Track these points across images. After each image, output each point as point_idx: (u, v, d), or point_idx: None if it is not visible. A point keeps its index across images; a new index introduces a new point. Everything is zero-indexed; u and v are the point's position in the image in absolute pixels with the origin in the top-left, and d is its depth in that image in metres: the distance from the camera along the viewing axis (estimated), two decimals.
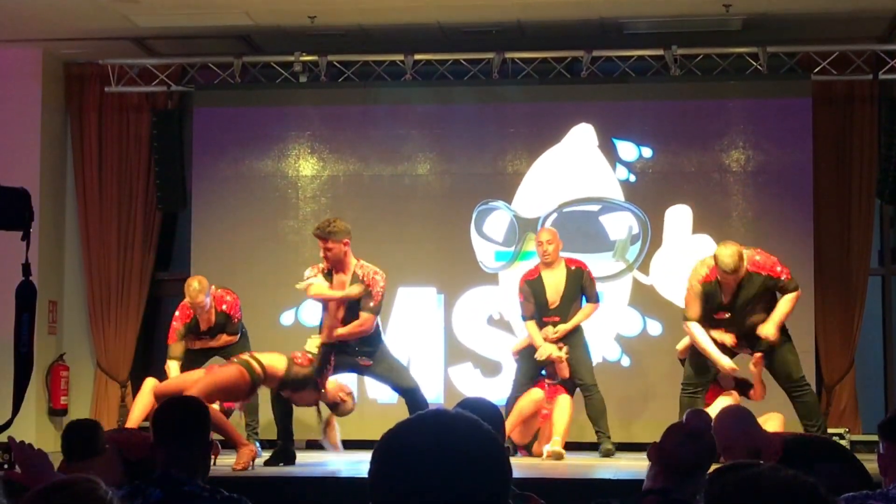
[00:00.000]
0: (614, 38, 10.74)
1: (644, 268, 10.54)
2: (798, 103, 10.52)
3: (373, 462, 1.88)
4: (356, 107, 10.95)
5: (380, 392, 9.69)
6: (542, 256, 9.29)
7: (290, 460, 8.62)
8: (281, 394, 8.56)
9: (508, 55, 10.78)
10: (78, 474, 3.14)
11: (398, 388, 8.83)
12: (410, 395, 8.76)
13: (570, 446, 9.67)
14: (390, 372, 8.76)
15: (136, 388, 9.32)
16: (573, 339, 9.22)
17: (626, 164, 10.69)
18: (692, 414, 4.05)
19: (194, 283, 9.01)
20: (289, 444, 8.69)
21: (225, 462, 8.17)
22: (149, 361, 11.23)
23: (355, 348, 8.60)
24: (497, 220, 10.67)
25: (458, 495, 1.80)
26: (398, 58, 10.84)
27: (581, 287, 9.25)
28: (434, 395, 10.45)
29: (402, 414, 8.53)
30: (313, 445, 9.67)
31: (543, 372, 9.25)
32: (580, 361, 9.27)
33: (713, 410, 6.84)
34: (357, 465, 8.23)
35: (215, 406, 8.21)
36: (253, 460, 8.15)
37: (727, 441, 4.46)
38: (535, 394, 9.13)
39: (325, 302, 8.45)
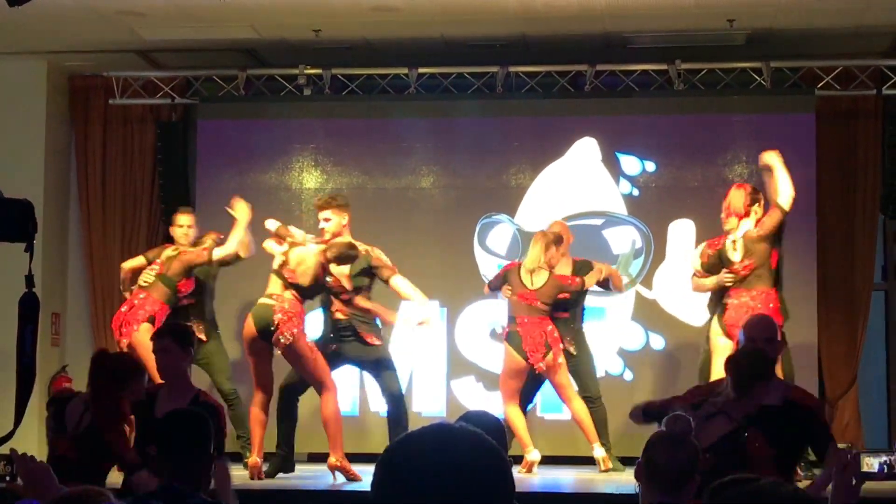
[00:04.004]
0: (618, 52, 10.76)
1: (647, 282, 10.53)
2: (802, 118, 10.52)
3: (376, 475, 1.88)
4: (360, 120, 10.96)
5: (381, 405, 9.65)
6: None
7: (290, 469, 8.62)
8: (290, 398, 8.63)
9: (512, 69, 10.79)
10: (87, 486, 3.13)
11: (387, 391, 8.78)
12: (396, 402, 8.73)
13: (571, 461, 9.67)
14: (387, 370, 8.73)
15: None
16: (580, 350, 9.23)
17: (630, 179, 10.70)
18: (671, 419, 4.03)
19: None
20: (290, 454, 8.68)
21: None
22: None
23: (365, 325, 8.65)
24: (500, 233, 10.67)
25: None
26: (402, 71, 10.86)
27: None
28: (437, 409, 10.46)
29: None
30: (315, 458, 9.67)
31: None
32: (586, 373, 9.31)
33: None
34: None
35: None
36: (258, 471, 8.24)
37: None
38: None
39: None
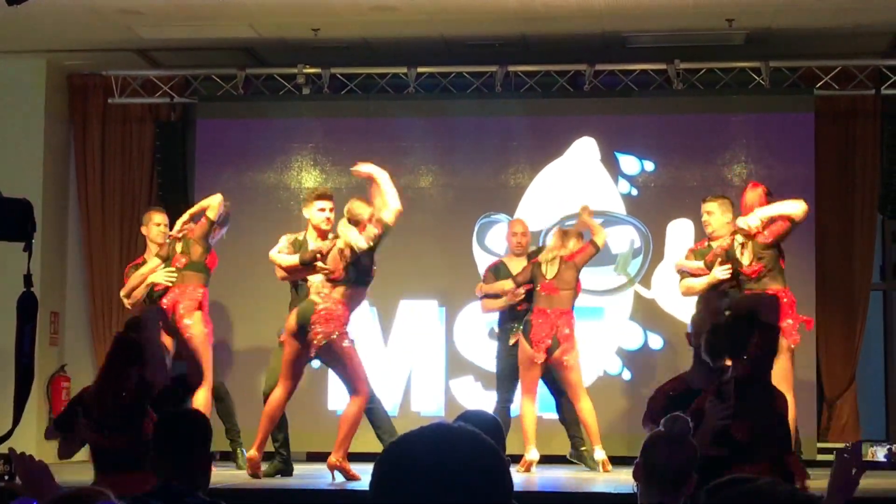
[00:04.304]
0: (617, 51, 10.76)
1: (646, 282, 10.54)
2: (800, 118, 10.53)
3: (374, 474, 1.88)
4: (359, 119, 10.96)
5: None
6: (515, 248, 9.51)
7: (289, 473, 8.60)
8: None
9: (511, 68, 10.80)
10: (87, 486, 3.14)
11: (349, 385, 8.43)
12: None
13: (570, 460, 9.67)
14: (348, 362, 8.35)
15: None
16: None
17: (629, 178, 10.70)
18: (669, 420, 4.03)
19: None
20: (288, 457, 8.67)
21: (229, 472, 8.18)
22: None
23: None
24: (499, 233, 10.66)
25: None
26: (401, 70, 10.86)
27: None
28: (435, 408, 10.47)
29: (403, 426, 8.52)
30: (314, 458, 9.67)
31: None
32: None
33: None
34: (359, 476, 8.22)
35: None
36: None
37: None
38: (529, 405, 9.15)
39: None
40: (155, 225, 9.57)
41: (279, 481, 8.29)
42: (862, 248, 10.74)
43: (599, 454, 8.97)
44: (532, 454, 8.94)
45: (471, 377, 10.55)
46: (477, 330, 10.48)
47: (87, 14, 9.93)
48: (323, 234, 8.69)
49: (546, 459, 9.30)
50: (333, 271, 8.18)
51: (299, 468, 8.92)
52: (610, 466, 8.91)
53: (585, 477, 8.84)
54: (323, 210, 8.72)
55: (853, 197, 10.76)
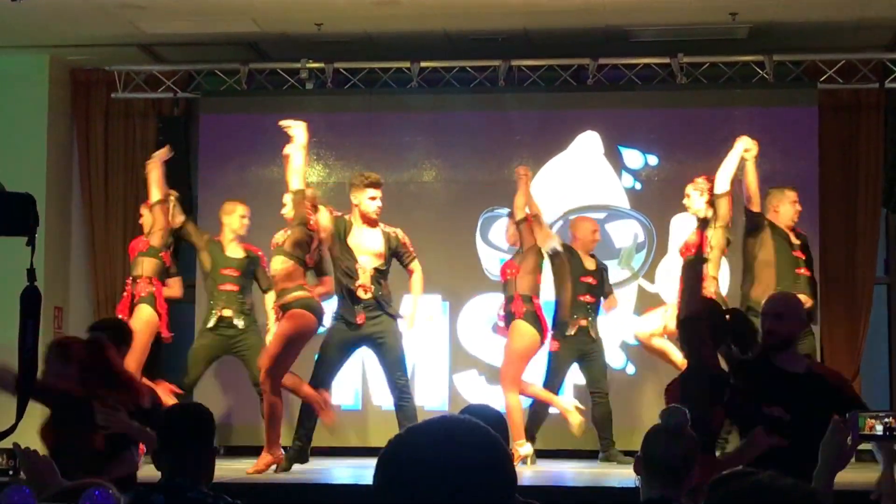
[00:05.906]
0: (620, 45, 10.75)
1: (649, 275, 10.54)
2: (804, 112, 10.52)
3: (378, 468, 1.88)
4: (362, 114, 10.96)
5: (384, 399, 9.66)
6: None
7: (304, 459, 8.58)
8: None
9: (514, 63, 10.79)
10: (88, 480, 3.14)
11: (393, 381, 8.64)
12: (399, 393, 8.62)
13: (574, 454, 9.69)
14: (395, 356, 8.64)
15: None
16: (595, 349, 9.53)
17: (632, 172, 10.70)
18: (668, 412, 4.02)
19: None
20: (306, 445, 8.64)
21: (231, 467, 8.18)
22: (154, 368, 11.19)
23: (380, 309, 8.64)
24: (502, 227, 10.65)
25: (461, 501, 1.80)
26: (404, 65, 10.86)
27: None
28: (439, 402, 10.47)
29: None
30: (318, 452, 9.67)
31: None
32: (601, 371, 9.62)
33: None
34: (361, 471, 8.23)
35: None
36: (270, 467, 8.20)
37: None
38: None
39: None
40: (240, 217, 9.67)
41: (281, 477, 8.28)
42: (866, 243, 10.73)
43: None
44: (527, 448, 9.01)
45: (474, 371, 10.56)
46: (480, 324, 10.48)
47: (90, 9, 9.93)
48: (371, 223, 8.72)
49: (545, 454, 9.32)
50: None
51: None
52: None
53: (590, 471, 8.85)
54: (374, 199, 8.73)
55: (857, 191, 10.75)
